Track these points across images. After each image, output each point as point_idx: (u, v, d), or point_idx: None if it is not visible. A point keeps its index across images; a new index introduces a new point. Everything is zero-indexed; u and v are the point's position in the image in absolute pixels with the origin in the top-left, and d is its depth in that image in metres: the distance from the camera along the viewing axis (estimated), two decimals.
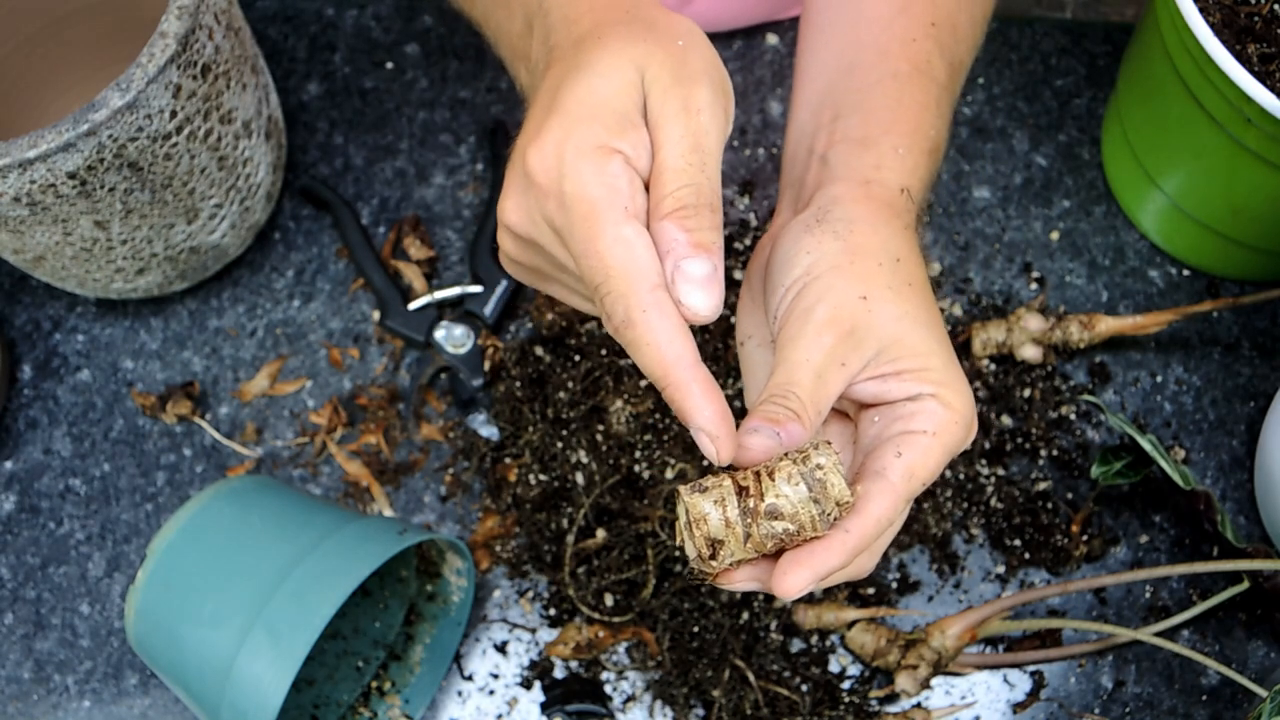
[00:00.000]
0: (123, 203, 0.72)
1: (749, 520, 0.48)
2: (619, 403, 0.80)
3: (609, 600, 0.78)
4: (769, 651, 0.76)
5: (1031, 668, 0.77)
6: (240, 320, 0.87)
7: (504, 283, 0.85)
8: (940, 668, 0.75)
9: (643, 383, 0.81)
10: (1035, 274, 0.87)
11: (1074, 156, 0.90)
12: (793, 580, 0.48)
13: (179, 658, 0.68)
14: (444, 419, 0.84)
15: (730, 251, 0.86)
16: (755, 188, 0.89)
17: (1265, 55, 0.71)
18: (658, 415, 0.81)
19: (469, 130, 0.92)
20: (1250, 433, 0.83)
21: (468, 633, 0.79)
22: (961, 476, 0.81)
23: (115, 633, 0.80)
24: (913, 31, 0.62)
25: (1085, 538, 0.80)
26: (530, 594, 0.80)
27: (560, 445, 0.80)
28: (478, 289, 0.86)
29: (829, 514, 0.48)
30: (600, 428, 0.80)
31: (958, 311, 0.86)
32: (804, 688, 0.76)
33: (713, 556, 0.49)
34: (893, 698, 0.76)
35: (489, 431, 0.82)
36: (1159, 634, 0.75)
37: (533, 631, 0.79)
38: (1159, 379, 0.84)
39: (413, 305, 0.85)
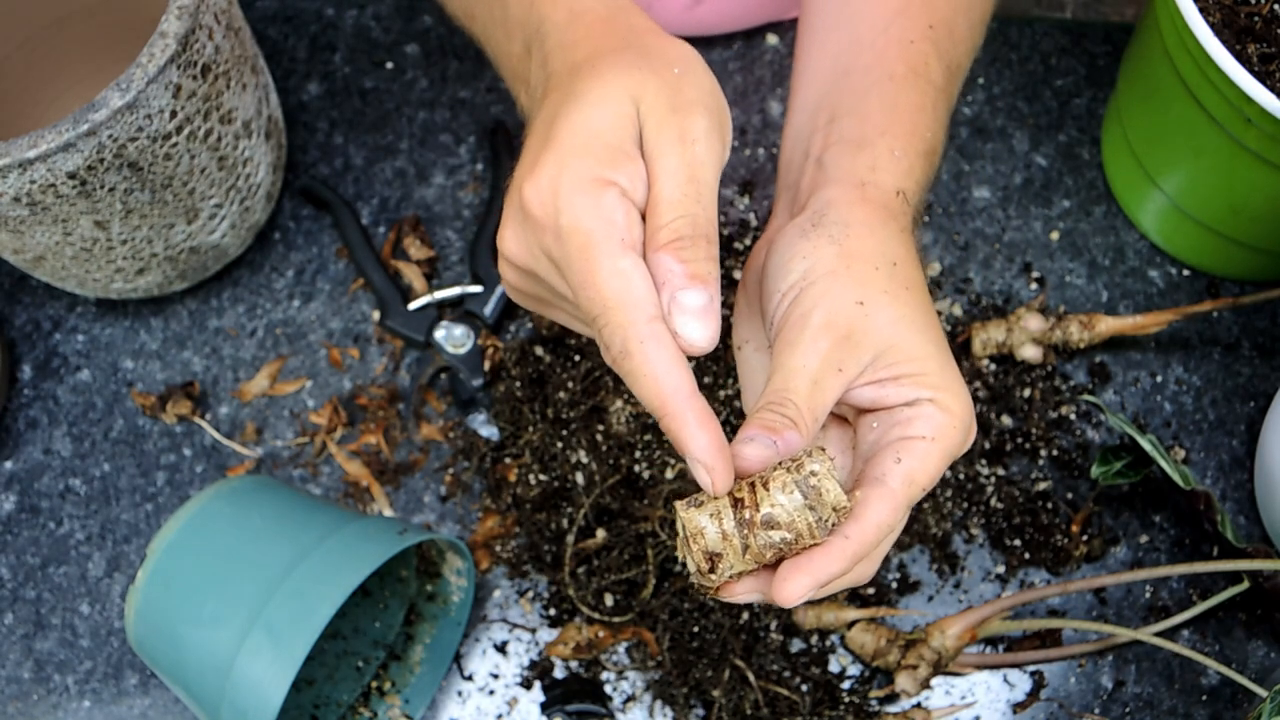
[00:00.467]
0: (123, 203, 0.72)
1: (746, 531, 0.48)
2: (619, 403, 0.80)
3: (609, 600, 0.78)
4: (769, 651, 0.76)
5: (1031, 668, 0.77)
6: (240, 320, 0.87)
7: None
8: (940, 668, 0.75)
9: None
10: (1035, 274, 0.87)
11: (1074, 156, 0.90)
12: (792, 587, 0.48)
13: (179, 658, 0.68)
14: (444, 419, 0.84)
15: (730, 251, 0.86)
16: (755, 188, 0.89)
17: (1265, 55, 0.71)
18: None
19: (469, 130, 0.92)
20: (1250, 433, 0.83)
21: (468, 633, 0.79)
22: (961, 476, 0.81)
23: (115, 633, 0.80)
24: (910, 34, 0.62)
25: (1085, 538, 0.80)
26: (530, 594, 0.80)
27: (560, 445, 0.80)
28: (478, 289, 0.86)
29: (826, 521, 0.48)
30: (600, 428, 0.80)
31: (958, 311, 0.86)
32: (804, 688, 0.76)
33: (712, 570, 0.49)
34: (893, 698, 0.76)
35: (489, 431, 0.82)
36: (1159, 634, 0.75)
37: (533, 631, 0.79)
38: (1159, 379, 0.84)
39: (413, 305, 0.85)
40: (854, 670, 0.77)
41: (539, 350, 0.83)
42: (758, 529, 0.48)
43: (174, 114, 0.69)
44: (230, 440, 0.84)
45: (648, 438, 0.80)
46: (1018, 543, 0.80)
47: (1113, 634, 0.76)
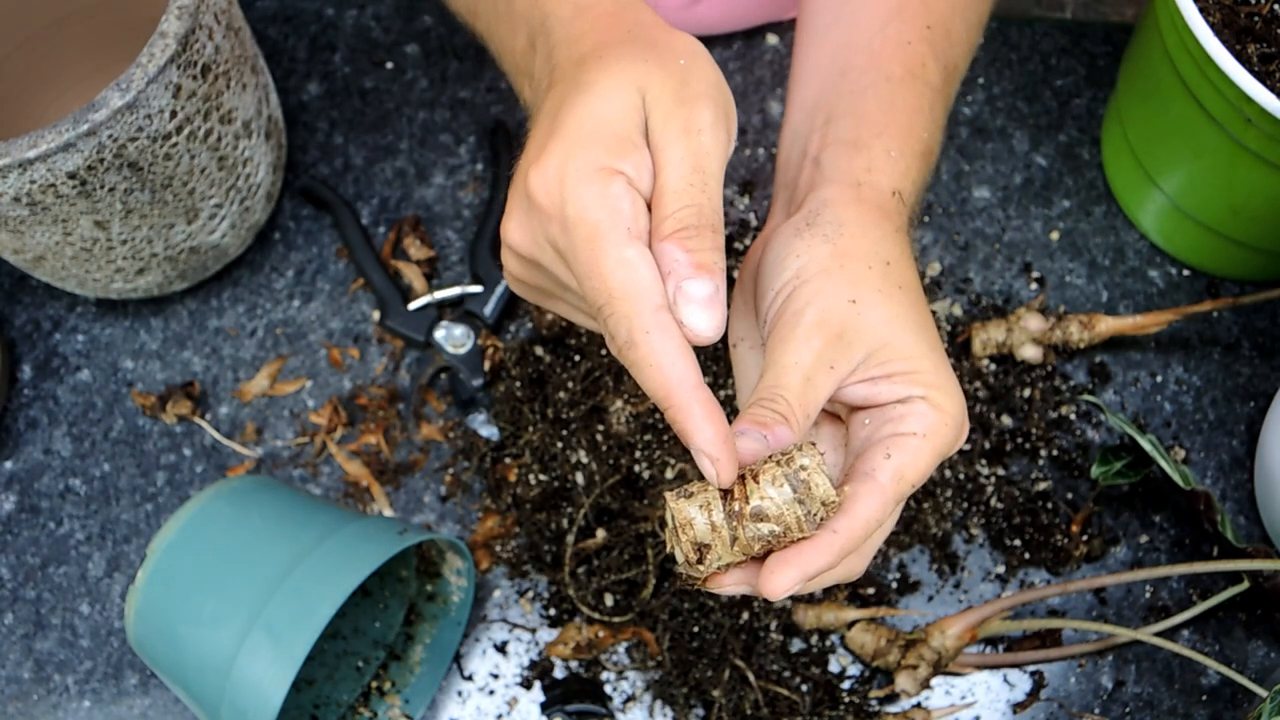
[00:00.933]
0: (123, 203, 0.72)
1: (735, 523, 0.48)
2: (619, 403, 0.80)
3: (609, 600, 0.78)
4: (769, 651, 0.76)
5: (1031, 668, 0.77)
6: (240, 320, 0.87)
7: (504, 283, 0.85)
8: (940, 668, 0.75)
9: None
10: (1035, 274, 0.87)
11: (1074, 156, 0.90)
12: (779, 579, 0.48)
13: (179, 658, 0.68)
14: (444, 419, 0.84)
15: (730, 251, 0.86)
16: (755, 188, 0.89)
17: (1265, 55, 0.71)
18: (658, 415, 0.81)
19: (469, 130, 0.92)
20: (1250, 433, 0.83)
21: (468, 633, 0.79)
22: (961, 476, 0.81)
23: (115, 633, 0.80)
24: (907, 35, 0.62)
25: (1085, 538, 0.80)
26: (530, 594, 0.80)
27: (560, 445, 0.80)
28: (478, 289, 0.86)
29: (815, 515, 0.48)
30: (600, 428, 0.80)
31: (958, 311, 0.86)
32: (804, 688, 0.76)
33: (700, 561, 0.49)
34: (893, 698, 0.76)
35: (489, 431, 0.82)
36: (1159, 634, 0.75)
37: (533, 631, 0.79)
38: (1159, 379, 0.84)
39: (413, 305, 0.85)
40: (854, 670, 0.77)
41: (539, 350, 0.83)
42: (747, 521, 0.48)
43: (174, 114, 0.69)
44: (230, 440, 0.84)
45: (648, 438, 0.80)
46: (1018, 543, 0.80)
47: (1113, 634, 0.76)
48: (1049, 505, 0.80)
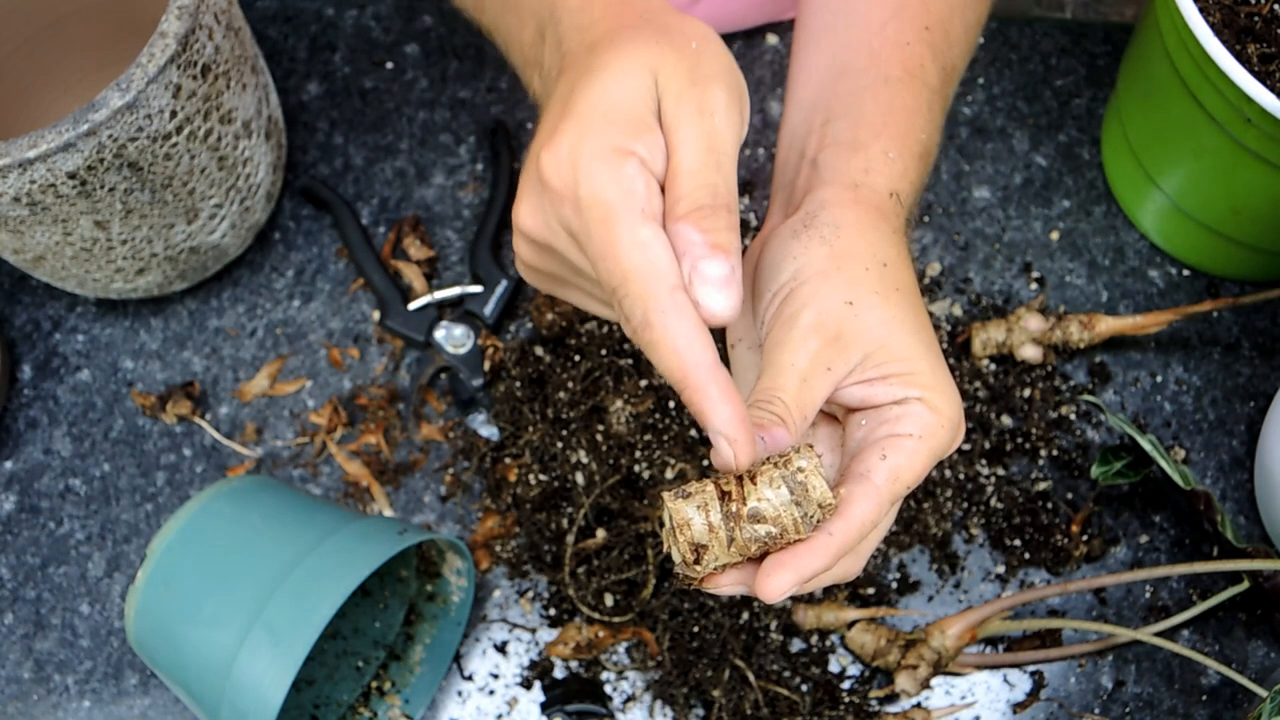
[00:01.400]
0: (123, 203, 0.72)
1: (732, 524, 0.48)
2: (619, 403, 0.80)
3: (609, 600, 0.78)
4: (769, 651, 0.76)
5: (1031, 668, 0.77)
6: (240, 320, 0.87)
7: (504, 283, 0.85)
8: (940, 668, 0.75)
9: (643, 382, 0.81)
10: (1035, 274, 0.87)
11: (1074, 156, 0.90)
12: (775, 582, 0.48)
13: (179, 658, 0.68)
14: (444, 419, 0.84)
15: None
16: (755, 188, 0.89)
17: (1265, 55, 0.71)
18: (658, 415, 0.81)
19: (469, 130, 0.92)
20: (1250, 433, 0.83)
21: (468, 633, 0.79)
22: (961, 476, 0.81)
23: (115, 633, 0.80)
24: (905, 35, 0.62)
25: (1085, 538, 0.80)
26: (530, 594, 0.80)
27: (560, 445, 0.80)
28: (478, 289, 0.86)
29: (811, 516, 0.48)
30: (600, 428, 0.80)
31: (958, 311, 0.86)
32: (804, 688, 0.76)
33: (697, 561, 0.49)
34: (893, 698, 0.76)
35: (489, 431, 0.82)
36: (1159, 634, 0.75)
37: (533, 631, 0.79)
38: (1159, 379, 0.84)
39: (413, 305, 0.85)
40: (854, 670, 0.77)
41: (539, 350, 0.83)
42: (744, 522, 0.48)
43: (174, 114, 0.69)
44: (230, 440, 0.84)
45: (648, 438, 0.80)
46: (1018, 543, 0.80)
47: (1113, 634, 0.76)
48: (1049, 505, 0.80)
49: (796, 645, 0.77)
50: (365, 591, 0.80)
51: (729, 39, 0.93)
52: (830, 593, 0.78)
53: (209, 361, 0.86)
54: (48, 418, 0.85)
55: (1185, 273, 0.87)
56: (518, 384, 0.82)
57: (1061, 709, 0.77)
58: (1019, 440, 0.82)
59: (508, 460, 0.81)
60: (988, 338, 0.82)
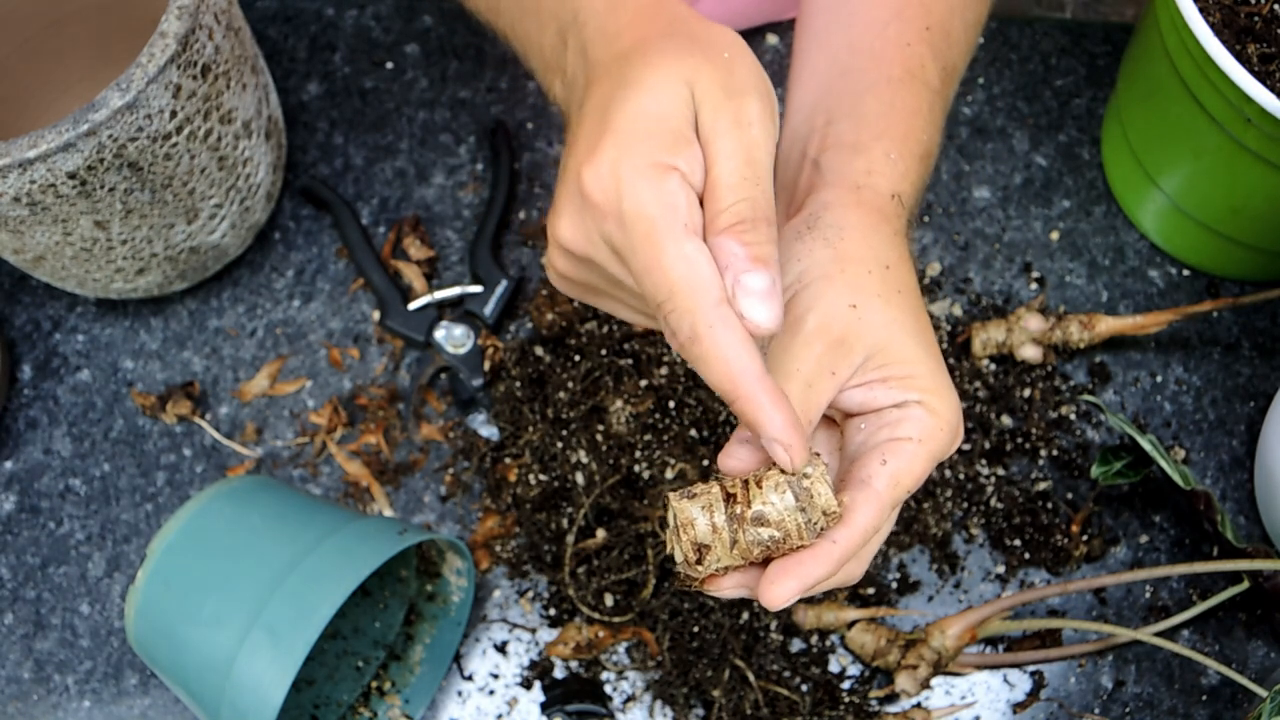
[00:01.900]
0: (123, 203, 0.72)
1: (736, 526, 0.49)
2: (619, 403, 0.80)
3: (609, 600, 0.78)
4: (769, 651, 0.76)
5: (1031, 668, 0.77)
6: (240, 320, 0.87)
7: (504, 283, 0.85)
8: (940, 668, 0.75)
9: (643, 382, 0.81)
10: (1035, 274, 0.87)
11: (1074, 156, 0.90)
12: (779, 590, 0.49)
13: (179, 658, 0.68)
14: (444, 419, 0.84)
15: None
16: None
17: (1265, 55, 0.71)
18: (657, 415, 0.81)
19: (469, 130, 0.92)
20: (1250, 433, 0.83)
21: (468, 633, 0.79)
22: (961, 476, 0.81)
23: (115, 633, 0.80)
24: (907, 36, 0.62)
25: (1085, 538, 0.80)
26: (530, 594, 0.80)
27: (560, 445, 0.80)
28: (478, 289, 0.86)
29: (815, 523, 0.49)
30: (600, 428, 0.80)
31: (958, 311, 0.86)
32: (804, 688, 0.76)
33: (699, 561, 0.49)
34: (893, 698, 0.76)
35: (489, 431, 0.82)
36: (1159, 634, 0.75)
37: (533, 631, 0.79)
38: (1159, 379, 0.84)
39: (413, 305, 0.85)
40: (854, 670, 0.77)
41: (539, 350, 0.83)
42: (748, 525, 0.48)
43: (174, 114, 0.69)
44: (230, 440, 0.84)
45: (648, 438, 0.80)
46: (1018, 543, 0.80)
47: (1113, 634, 0.76)
48: (1049, 505, 0.80)
49: (796, 645, 0.77)
50: (365, 591, 0.80)
51: None
52: (830, 593, 0.78)
53: (209, 361, 0.86)
54: (48, 418, 0.85)
55: (1185, 273, 0.87)
56: (518, 384, 0.82)
57: (1061, 709, 0.77)
58: (1019, 440, 0.82)
59: (508, 460, 0.81)
60: (988, 338, 0.82)
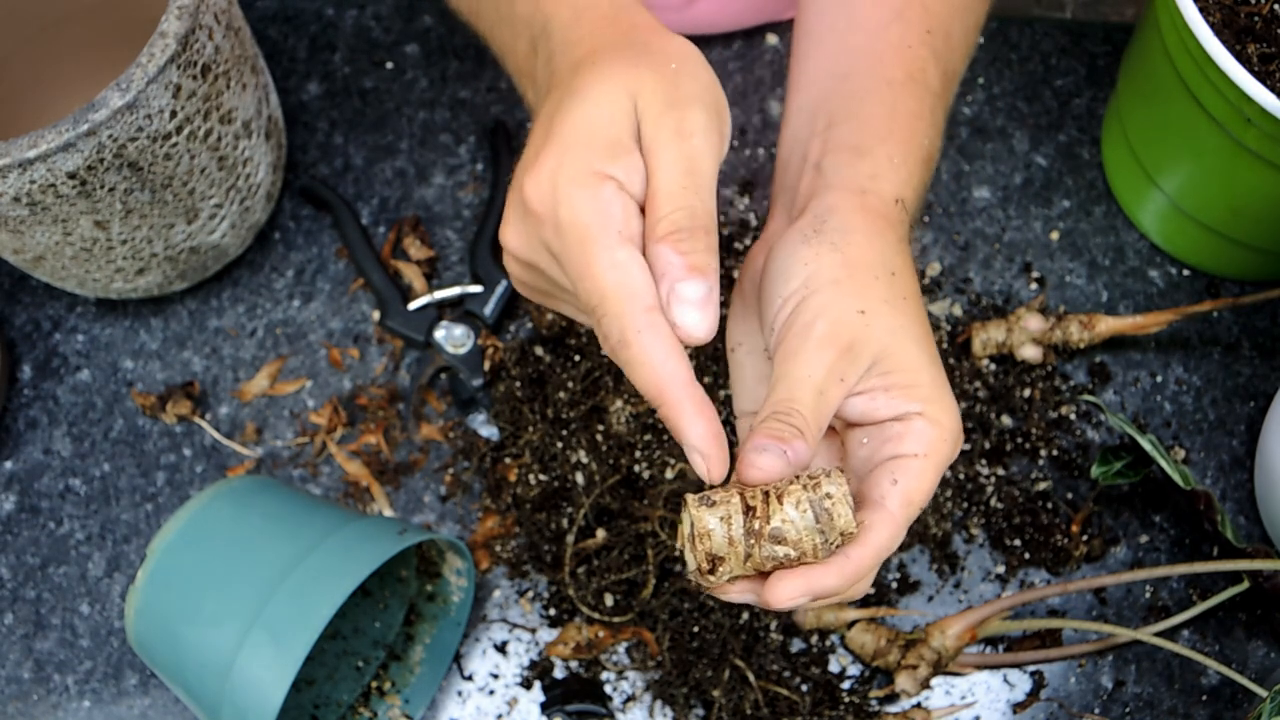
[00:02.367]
0: (123, 203, 0.72)
1: (752, 541, 0.49)
2: (619, 403, 0.80)
3: (609, 600, 0.78)
4: (769, 651, 0.76)
5: (1031, 668, 0.77)
6: (240, 320, 0.87)
7: (504, 283, 0.85)
8: (940, 668, 0.75)
9: None
10: (1035, 274, 0.87)
11: (1074, 156, 0.90)
12: (785, 588, 0.49)
13: (179, 658, 0.68)
14: (444, 419, 0.84)
15: (730, 251, 0.86)
16: (755, 188, 0.89)
17: (1265, 55, 0.71)
18: (657, 416, 0.80)
19: (469, 130, 0.92)
20: (1250, 433, 0.83)
21: (468, 633, 0.79)
22: (961, 476, 0.81)
23: (115, 633, 0.80)
24: (907, 39, 0.62)
25: (1085, 538, 0.80)
26: (530, 594, 0.80)
27: (560, 445, 0.80)
28: (478, 289, 0.86)
29: (832, 543, 0.49)
30: (600, 428, 0.80)
31: (958, 311, 0.86)
32: (804, 688, 0.76)
33: (711, 571, 0.49)
34: (893, 698, 0.76)
35: (489, 431, 0.82)
36: (1159, 634, 0.75)
37: (533, 631, 0.79)
38: (1159, 379, 0.84)
39: (413, 305, 0.85)
40: (854, 670, 0.77)
41: (539, 350, 0.83)
42: (764, 541, 0.48)
43: (174, 114, 0.69)
44: (230, 440, 0.84)
45: (648, 438, 0.80)
46: (1018, 543, 0.80)
47: (1113, 634, 0.76)
48: (1049, 505, 0.80)
49: (796, 645, 0.77)
50: (365, 591, 0.80)
51: (728, 39, 0.93)
52: None
53: (209, 361, 0.86)
54: (48, 418, 0.85)
55: (1185, 273, 0.87)
56: (518, 384, 0.82)
57: (1061, 709, 0.77)
58: (1019, 440, 0.82)
59: (508, 460, 0.82)
60: (988, 338, 0.82)
